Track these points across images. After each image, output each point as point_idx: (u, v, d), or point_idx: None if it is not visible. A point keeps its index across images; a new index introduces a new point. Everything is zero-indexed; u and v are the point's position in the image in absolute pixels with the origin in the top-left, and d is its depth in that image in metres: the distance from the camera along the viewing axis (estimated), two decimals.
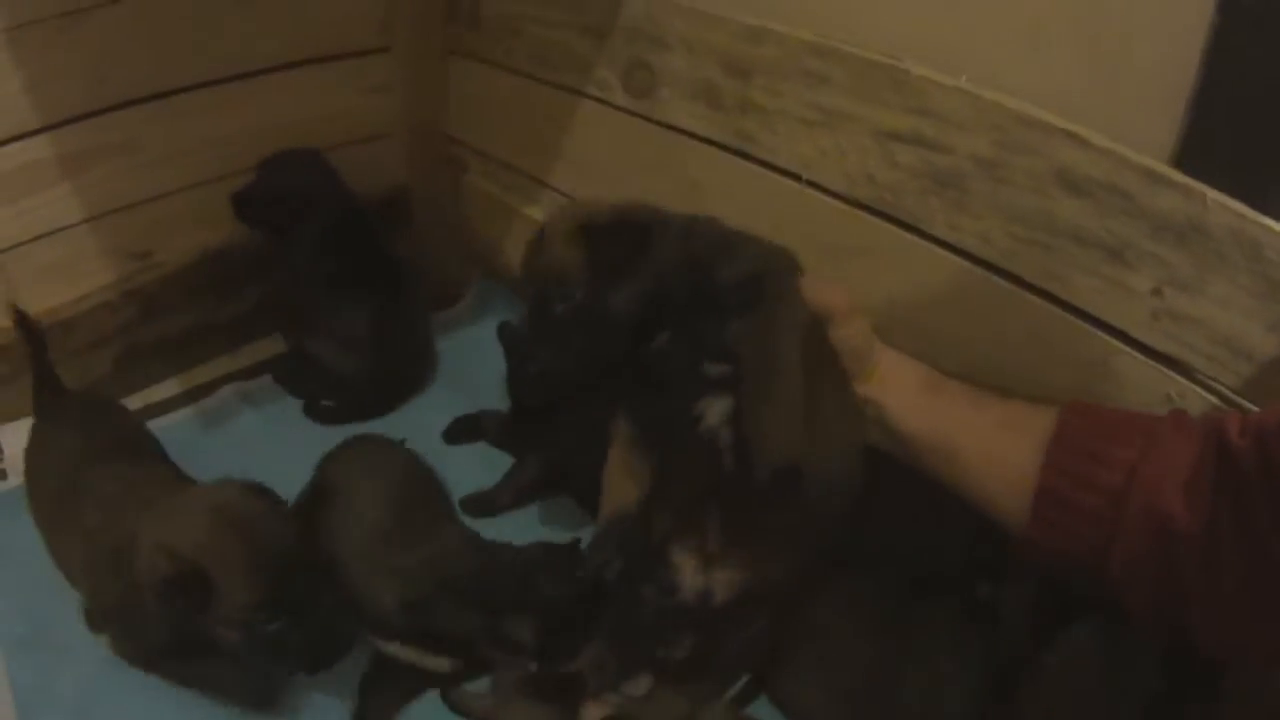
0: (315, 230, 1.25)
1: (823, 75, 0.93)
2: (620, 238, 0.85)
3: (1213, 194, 0.71)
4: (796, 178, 0.99)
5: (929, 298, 0.92)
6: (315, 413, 1.29)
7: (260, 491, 0.88)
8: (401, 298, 1.32)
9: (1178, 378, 0.77)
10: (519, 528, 1.10)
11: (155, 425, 1.18)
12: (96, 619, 0.94)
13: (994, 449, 0.77)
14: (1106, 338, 0.81)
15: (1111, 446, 0.69)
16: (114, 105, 1.17)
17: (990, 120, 0.81)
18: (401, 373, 1.33)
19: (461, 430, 1.26)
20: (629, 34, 1.11)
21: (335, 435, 1.12)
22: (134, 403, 1.25)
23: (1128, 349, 0.80)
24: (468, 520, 1.08)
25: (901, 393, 0.83)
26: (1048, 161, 0.79)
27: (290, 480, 1.01)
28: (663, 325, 0.84)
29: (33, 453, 1.05)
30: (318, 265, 1.27)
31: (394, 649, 0.91)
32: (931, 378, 0.84)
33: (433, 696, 0.94)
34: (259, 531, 0.83)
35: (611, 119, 1.19)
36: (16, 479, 1.11)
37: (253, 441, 1.23)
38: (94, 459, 0.98)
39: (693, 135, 1.09)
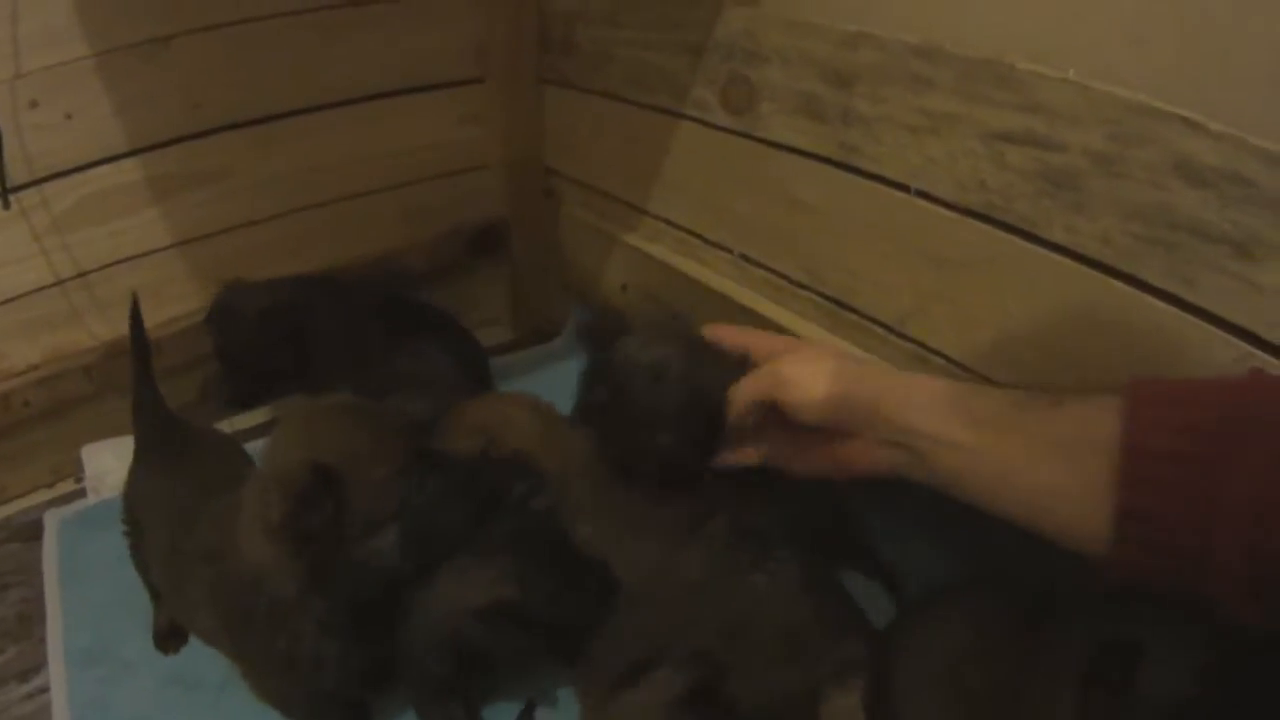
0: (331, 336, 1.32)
1: (926, 78, 0.97)
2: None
3: None
4: (904, 188, 1.03)
5: (1047, 309, 0.94)
6: None
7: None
8: (459, 336, 1.40)
9: None
10: None
11: None
12: (249, 675, 0.96)
13: (1057, 478, 0.70)
14: (1237, 341, 0.81)
15: (1193, 440, 0.63)
16: (207, 130, 1.30)
17: (1102, 112, 0.84)
18: None
19: None
20: (725, 50, 1.18)
21: None
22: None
23: (1260, 353, 0.80)
24: None
25: (930, 427, 0.79)
26: (1165, 152, 0.81)
27: None
28: None
29: (136, 487, 1.08)
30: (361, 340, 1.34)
31: None
32: (961, 400, 0.79)
33: None
34: (386, 424, 0.88)
35: (710, 139, 1.25)
36: (96, 497, 1.20)
37: None
38: (210, 492, 0.99)
39: (794, 150, 1.14)
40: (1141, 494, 0.64)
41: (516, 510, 0.95)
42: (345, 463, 0.84)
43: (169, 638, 1.05)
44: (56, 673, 1.03)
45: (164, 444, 1.09)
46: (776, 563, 0.97)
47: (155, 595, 1.06)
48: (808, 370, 0.87)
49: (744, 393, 0.91)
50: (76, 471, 1.32)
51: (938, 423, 0.78)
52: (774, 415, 0.90)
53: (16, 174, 1.18)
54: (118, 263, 1.28)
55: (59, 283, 1.25)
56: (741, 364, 0.95)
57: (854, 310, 1.16)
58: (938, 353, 1.08)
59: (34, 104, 1.16)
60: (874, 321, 1.14)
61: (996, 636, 0.88)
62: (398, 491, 0.87)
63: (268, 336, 1.27)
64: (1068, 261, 0.92)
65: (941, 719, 0.90)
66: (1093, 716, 0.75)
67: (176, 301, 1.32)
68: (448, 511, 0.90)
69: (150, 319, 1.22)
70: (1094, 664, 0.74)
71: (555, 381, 1.31)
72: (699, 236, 1.35)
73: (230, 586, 0.88)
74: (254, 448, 1.25)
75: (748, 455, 0.96)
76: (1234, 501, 0.61)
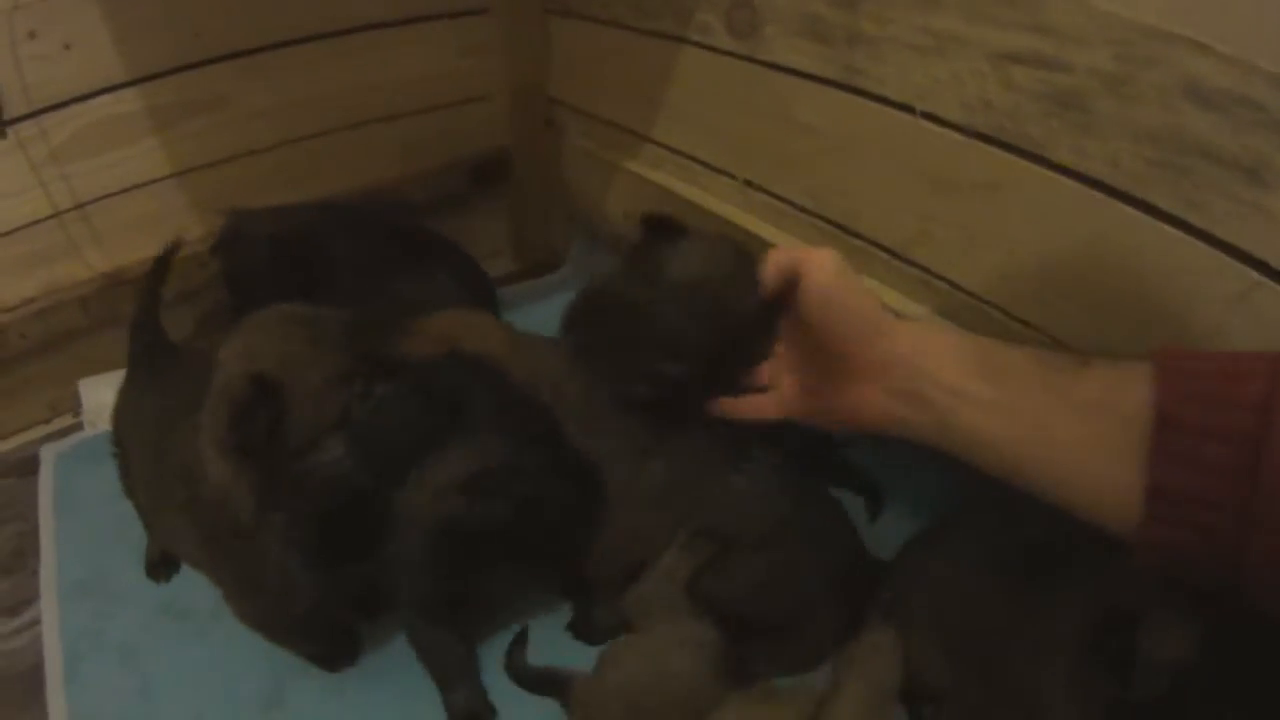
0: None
1: None
2: None
3: None
4: (909, 110, 1.01)
5: (1054, 233, 0.93)
6: None
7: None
8: (466, 264, 1.39)
9: None
10: None
11: None
12: (230, 600, 0.96)
13: (1083, 444, 0.66)
14: (1247, 269, 0.80)
15: (1230, 416, 0.59)
16: (205, 60, 1.28)
17: (1110, 33, 0.82)
18: None
19: None
20: None
21: None
22: None
23: (1270, 281, 0.79)
24: None
25: (949, 377, 0.74)
26: (1174, 73, 0.79)
27: None
28: None
29: (124, 408, 1.08)
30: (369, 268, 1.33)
31: None
32: (983, 354, 0.75)
33: None
34: (327, 330, 0.84)
35: (714, 64, 1.22)
36: (93, 430, 1.20)
37: None
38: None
39: (799, 74, 1.12)
40: (1175, 470, 0.60)
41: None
42: (283, 371, 0.81)
43: (160, 566, 1.05)
44: (49, 605, 1.04)
45: (153, 363, 1.08)
46: (754, 464, 0.96)
47: (147, 522, 1.06)
48: (843, 268, 0.80)
49: (773, 259, 0.82)
50: (74, 406, 1.33)
51: (957, 373, 0.74)
52: (790, 334, 0.87)
53: (14, 105, 1.16)
54: (116, 194, 1.27)
55: (56, 214, 1.24)
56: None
57: (858, 235, 1.15)
58: (942, 278, 1.07)
59: (32, 34, 1.14)
60: (878, 246, 1.13)
61: (991, 590, 0.88)
62: (340, 398, 0.84)
63: (277, 262, 1.26)
64: (1075, 184, 0.90)
65: (930, 665, 0.91)
66: (1086, 687, 0.76)
67: (175, 232, 1.29)
68: (401, 417, 0.86)
69: (147, 250, 1.21)
70: (1093, 639, 0.74)
71: (558, 312, 1.30)
72: (702, 163, 1.33)
73: (203, 507, 0.87)
74: None
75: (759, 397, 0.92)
76: (1275, 482, 0.56)
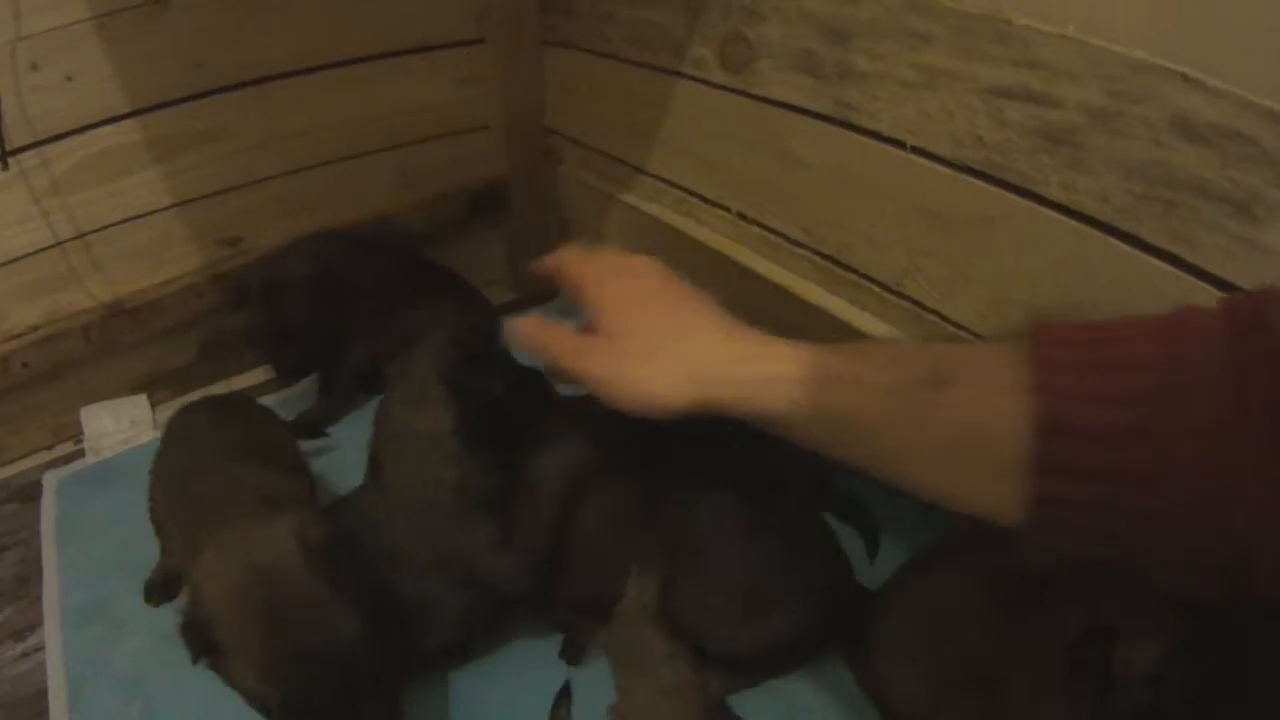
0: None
1: (924, 33, 0.94)
2: None
3: None
4: (901, 145, 1.00)
5: (1045, 267, 0.92)
6: None
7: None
8: (471, 295, 1.39)
9: None
10: None
11: None
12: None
13: (955, 468, 0.62)
14: None
15: (1114, 413, 0.54)
16: (206, 91, 1.27)
17: (1100, 68, 0.81)
18: None
19: None
20: (723, 8, 1.14)
21: None
22: (218, 390, 1.34)
23: None
24: None
25: (805, 423, 0.70)
26: (1164, 109, 0.78)
27: None
28: None
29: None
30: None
31: None
32: (827, 388, 0.69)
33: None
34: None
35: (709, 97, 1.22)
36: (95, 458, 1.19)
37: (337, 431, 1.30)
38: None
39: (792, 108, 1.11)
40: (1058, 482, 0.56)
41: None
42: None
43: (159, 589, 1.03)
44: (52, 631, 1.02)
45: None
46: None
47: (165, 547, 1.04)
48: (623, 378, 0.76)
49: (551, 355, 0.81)
50: (76, 433, 1.31)
51: (804, 431, 0.70)
52: None
53: (17, 136, 1.15)
54: (117, 224, 1.26)
55: (58, 244, 1.23)
56: None
57: (850, 269, 1.14)
58: (934, 311, 1.06)
59: (35, 66, 1.13)
60: (870, 280, 1.12)
61: (979, 613, 0.86)
62: None
63: (317, 304, 1.24)
64: (1065, 219, 0.89)
65: (918, 689, 0.89)
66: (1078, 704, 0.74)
67: (176, 262, 1.30)
68: None
69: (149, 279, 1.21)
70: (1073, 654, 0.73)
71: None
72: (697, 195, 1.33)
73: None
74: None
75: None
76: (1170, 475, 0.53)
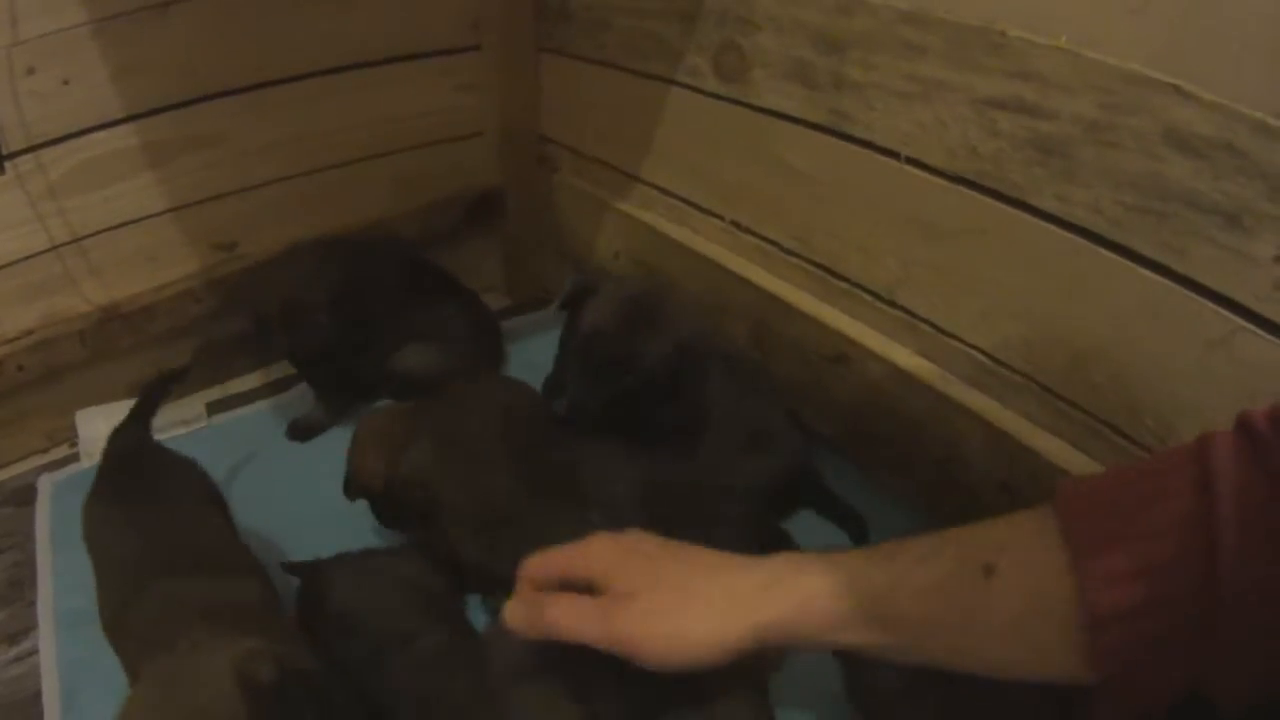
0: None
1: (918, 45, 0.93)
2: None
3: None
4: (895, 155, 1.00)
5: (1037, 277, 0.92)
6: None
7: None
8: (473, 299, 1.39)
9: None
10: None
11: (233, 416, 1.30)
12: None
13: (1014, 654, 0.62)
14: (1227, 314, 0.78)
15: (1154, 583, 0.54)
16: (203, 96, 1.26)
17: (1093, 80, 0.81)
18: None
19: None
20: (718, 17, 1.14)
21: None
22: (213, 394, 1.33)
23: (1251, 326, 0.77)
24: None
25: (857, 637, 0.67)
26: (1156, 120, 0.78)
27: None
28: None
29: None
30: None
31: None
32: (874, 602, 0.66)
33: None
34: None
35: (703, 106, 1.21)
36: (90, 462, 1.18)
37: (331, 434, 1.30)
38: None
39: (786, 117, 1.11)
40: (1117, 662, 0.56)
41: None
42: None
43: None
44: (46, 635, 1.01)
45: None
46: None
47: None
48: (659, 632, 0.70)
49: (570, 633, 0.72)
50: (71, 436, 1.30)
51: (858, 634, 0.67)
52: None
53: (13, 140, 1.14)
54: (113, 228, 1.25)
55: (54, 248, 1.22)
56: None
57: (843, 278, 1.14)
58: (926, 320, 1.05)
59: (31, 70, 1.12)
60: (863, 289, 1.12)
61: None
62: None
63: (344, 321, 1.24)
64: (1058, 230, 0.89)
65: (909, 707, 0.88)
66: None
67: (171, 267, 1.29)
68: None
69: (144, 284, 1.20)
70: None
71: (551, 346, 1.31)
72: (691, 203, 1.32)
73: None
74: (240, 414, 1.27)
75: None
76: (1225, 610, 0.53)
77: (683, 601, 0.70)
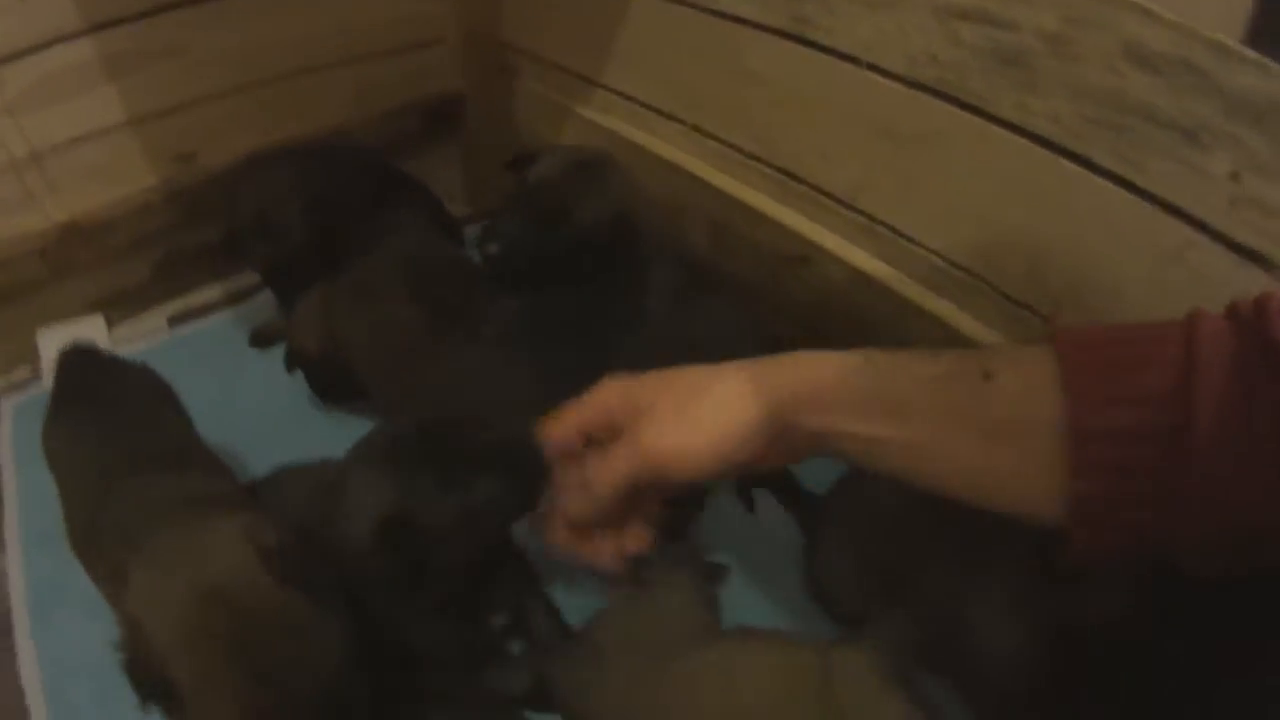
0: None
1: None
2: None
3: None
4: (856, 61, 0.99)
5: (997, 184, 0.92)
6: None
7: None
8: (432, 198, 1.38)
9: (1260, 272, 0.76)
10: None
11: (194, 328, 1.31)
12: None
13: (999, 466, 0.63)
14: (1183, 226, 0.80)
15: (1143, 412, 0.57)
16: (160, 7, 1.22)
17: None
18: None
19: None
20: None
21: None
22: (174, 308, 1.34)
23: (1205, 239, 0.79)
24: None
25: (848, 425, 0.69)
26: (1117, 36, 0.78)
27: None
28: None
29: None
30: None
31: None
32: (875, 390, 0.69)
33: None
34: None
35: (665, 11, 1.19)
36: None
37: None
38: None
39: (748, 22, 1.09)
40: (1095, 479, 0.58)
41: None
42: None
43: None
44: (14, 555, 1.02)
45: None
46: None
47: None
48: (683, 430, 0.72)
49: (608, 482, 0.74)
50: (32, 357, 1.28)
51: (861, 422, 0.68)
52: None
53: None
54: (71, 142, 1.22)
55: (12, 165, 1.18)
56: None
57: (803, 181, 1.14)
58: (885, 224, 1.06)
59: None
60: (823, 193, 1.12)
61: (915, 511, 0.87)
62: None
63: (314, 229, 1.23)
64: (1018, 139, 0.89)
65: (845, 586, 0.91)
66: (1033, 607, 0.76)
67: (130, 179, 1.26)
68: None
69: (103, 197, 1.18)
70: (1043, 556, 0.74)
71: None
72: (652, 108, 1.31)
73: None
74: (199, 326, 1.30)
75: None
76: (1197, 471, 0.55)
77: (697, 392, 0.72)
